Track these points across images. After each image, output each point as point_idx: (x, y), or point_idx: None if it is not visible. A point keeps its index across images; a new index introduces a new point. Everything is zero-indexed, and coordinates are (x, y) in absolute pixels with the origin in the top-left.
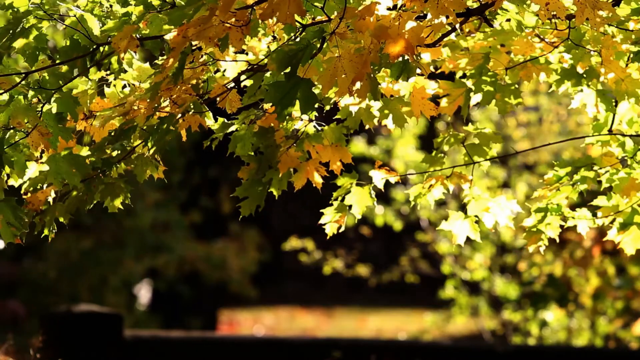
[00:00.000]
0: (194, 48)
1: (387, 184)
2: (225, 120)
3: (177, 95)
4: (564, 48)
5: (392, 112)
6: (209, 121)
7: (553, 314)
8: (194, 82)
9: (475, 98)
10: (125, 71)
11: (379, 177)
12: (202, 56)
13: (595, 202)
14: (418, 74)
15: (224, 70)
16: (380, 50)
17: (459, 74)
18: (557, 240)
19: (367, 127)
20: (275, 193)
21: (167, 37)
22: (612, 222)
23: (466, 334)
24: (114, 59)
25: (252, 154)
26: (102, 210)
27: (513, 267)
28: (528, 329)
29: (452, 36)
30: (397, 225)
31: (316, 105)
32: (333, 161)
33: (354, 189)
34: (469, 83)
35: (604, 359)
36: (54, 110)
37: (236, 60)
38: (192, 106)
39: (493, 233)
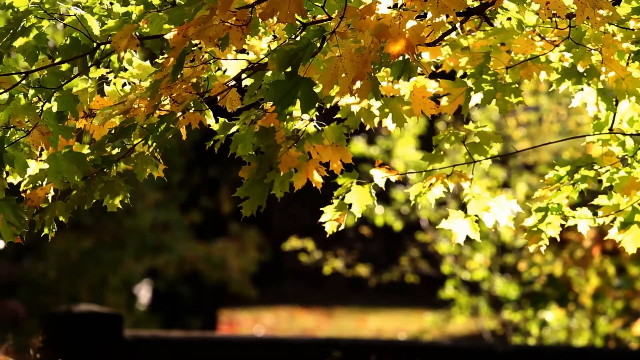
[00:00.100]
0: (194, 47)
1: (387, 184)
2: (226, 121)
3: (177, 94)
4: (565, 47)
5: (392, 111)
6: (210, 120)
7: (553, 314)
8: (194, 80)
9: (476, 97)
10: (126, 69)
11: (379, 175)
12: (202, 55)
13: (595, 202)
14: (419, 73)
15: (225, 70)
16: (380, 49)
17: (459, 73)
18: (558, 240)
19: (367, 127)
20: (277, 195)
21: (168, 36)
22: (612, 222)
23: (466, 334)
24: (114, 58)
25: (253, 153)
26: (102, 210)
27: (513, 267)
28: (528, 329)
29: (453, 35)
30: (397, 225)
31: (317, 105)
32: (333, 161)
33: (354, 188)
34: (470, 82)
35: (604, 359)
36: (54, 109)
37: (237, 59)
38: (192, 104)
39: (493, 233)
